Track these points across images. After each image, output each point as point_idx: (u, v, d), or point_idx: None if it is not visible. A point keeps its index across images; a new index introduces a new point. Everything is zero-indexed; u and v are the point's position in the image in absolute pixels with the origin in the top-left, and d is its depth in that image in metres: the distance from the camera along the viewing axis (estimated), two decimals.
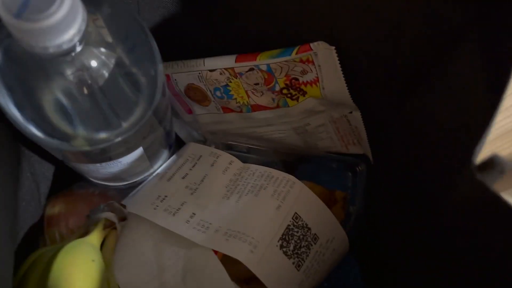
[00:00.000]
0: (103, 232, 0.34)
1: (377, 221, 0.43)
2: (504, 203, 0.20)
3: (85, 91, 0.26)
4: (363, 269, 0.44)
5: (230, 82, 0.38)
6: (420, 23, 0.29)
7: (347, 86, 0.35)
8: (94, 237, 0.33)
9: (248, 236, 0.33)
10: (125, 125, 0.28)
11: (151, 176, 0.40)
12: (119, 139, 0.28)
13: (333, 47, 0.33)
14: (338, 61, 0.34)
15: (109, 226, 0.34)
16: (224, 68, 0.37)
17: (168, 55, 0.40)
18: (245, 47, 0.37)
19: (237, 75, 0.38)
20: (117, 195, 0.41)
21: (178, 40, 0.40)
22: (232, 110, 0.42)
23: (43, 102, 0.26)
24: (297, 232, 0.35)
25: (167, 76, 0.40)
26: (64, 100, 0.26)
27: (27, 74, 0.25)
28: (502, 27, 0.25)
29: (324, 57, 0.34)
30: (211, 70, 0.38)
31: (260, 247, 0.33)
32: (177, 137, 0.47)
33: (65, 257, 0.31)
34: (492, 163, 0.20)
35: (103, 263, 0.33)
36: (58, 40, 0.21)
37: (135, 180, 0.40)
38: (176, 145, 0.46)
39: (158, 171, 0.40)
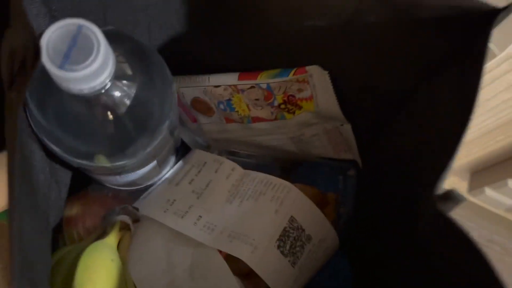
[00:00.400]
0: (119, 233, 0.38)
1: (365, 222, 0.47)
2: (459, 229, 0.24)
3: (110, 117, 0.29)
4: (353, 266, 0.48)
5: (233, 97, 0.42)
6: (406, 58, 0.33)
7: (338, 104, 0.39)
8: (112, 238, 0.37)
9: (249, 238, 0.37)
10: (142, 145, 0.32)
11: (161, 181, 0.44)
12: (138, 157, 0.32)
13: (327, 72, 0.37)
14: (331, 83, 0.38)
15: (124, 227, 0.38)
16: (228, 85, 0.41)
17: (176, 70, 0.44)
18: (247, 65, 0.41)
19: (239, 91, 0.41)
20: (128, 196, 0.45)
21: (185, 57, 0.43)
22: (234, 121, 0.45)
23: (73, 127, 0.29)
24: (293, 233, 0.39)
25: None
26: (92, 126, 0.29)
27: (59, 102, 0.29)
28: (472, 67, 0.29)
29: (318, 79, 0.38)
30: (215, 86, 0.41)
31: (260, 247, 0.37)
32: (182, 141, 0.51)
33: (88, 258, 0.35)
34: (450, 195, 0.24)
35: (120, 262, 0.37)
36: (93, 84, 0.25)
37: (146, 184, 0.43)
38: (182, 148, 0.50)
39: (167, 176, 0.44)
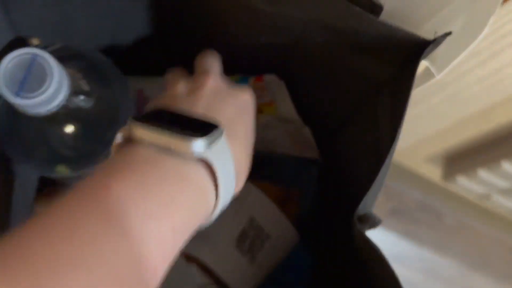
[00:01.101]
0: None
1: (326, 217, 0.50)
2: (374, 247, 0.27)
3: (68, 130, 0.32)
4: (313, 256, 0.52)
5: None
6: (350, 76, 0.35)
7: (296, 110, 0.42)
8: None
9: (209, 238, 0.40)
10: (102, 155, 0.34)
11: None
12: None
13: (283, 82, 0.39)
14: (287, 92, 0.40)
15: None
16: None
17: (140, 71, 0.46)
18: None
19: None
20: None
21: (149, 59, 0.45)
22: None
23: (33, 141, 0.32)
24: (252, 233, 0.42)
25: (140, 91, 0.45)
26: (51, 139, 0.32)
27: (20, 120, 0.31)
28: (403, 88, 0.31)
29: (276, 87, 0.40)
30: None
31: (219, 247, 0.40)
32: None
33: None
34: (366, 218, 0.27)
35: None
36: (48, 107, 0.27)
37: None
38: None
39: None
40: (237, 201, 0.42)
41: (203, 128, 0.24)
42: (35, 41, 0.36)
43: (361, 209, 0.27)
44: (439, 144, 0.87)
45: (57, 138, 0.32)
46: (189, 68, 0.43)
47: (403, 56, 0.30)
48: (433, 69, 0.38)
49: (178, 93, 0.30)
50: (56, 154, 0.32)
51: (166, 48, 0.43)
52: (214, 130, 0.24)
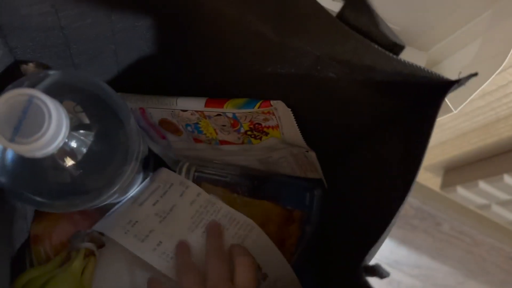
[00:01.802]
0: (84, 261, 0.39)
1: (329, 239, 0.49)
2: None
3: (68, 166, 0.30)
4: (316, 280, 0.51)
5: (200, 121, 0.43)
6: (359, 109, 0.34)
7: (302, 135, 0.40)
8: (76, 267, 0.38)
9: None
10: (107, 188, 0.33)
11: (126, 199, 0.45)
12: (104, 197, 0.33)
13: (290, 109, 0.37)
14: (294, 119, 0.38)
15: (89, 254, 0.40)
16: (195, 110, 0.41)
17: (144, 90, 0.44)
18: (214, 92, 0.41)
19: (206, 117, 0.42)
20: (95, 211, 0.46)
21: (153, 78, 0.43)
22: (202, 141, 0.46)
23: (33, 179, 0.30)
24: None
25: (143, 109, 0.44)
26: (51, 177, 0.30)
27: (19, 163, 0.29)
28: (423, 127, 0.30)
29: (282, 113, 0.39)
30: (183, 110, 0.42)
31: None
32: (153, 152, 0.52)
33: None
34: (374, 270, 0.26)
35: None
36: (45, 151, 0.25)
37: (113, 201, 0.44)
38: (153, 160, 0.50)
39: (132, 194, 0.45)
40: (238, 237, 0.41)
41: None
42: (30, 66, 0.34)
43: (368, 259, 0.26)
44: (441, 155, 0.86)
45: (59, 177, 0.30)
46: (195, 87, 0.42)
47: (422, 94, 0.29)
48: (451, 105, 0.36)
49: None
50: (54, 193, 0.31)
51: (170, 67, 0.41)
52: None
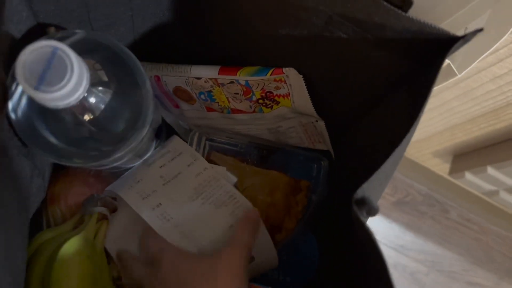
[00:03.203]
0: (97, 225, 0.41)
1: (334, 208, 0.50)
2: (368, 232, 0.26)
3: (86, 122, 0.31)
4: (320, 246, 0.52)
5: (213, 89, 0.44)
6: (370, 71, 0.34)
7: (312, 103, 0.41)
8: (89, 231, 0.40)
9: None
10: (125, 144, 0.34)
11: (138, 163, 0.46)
12: (117, 155, 0.34)
13: (301, 76, 0.38)
14: (305, 86, 0.39)
15: (102, 218, 0.41)
16: (208, 78, 0.43)
17: (159, 58, 0.45)
18: (228, 60, 0.42)
19: (220, 84, 0.43)
20: (109, 175, 0.47)
21: (168, 46, 0.44)
22: (214, 110, 0.47)
23: (50, 131, 0.31)
24: None
25: (158, 77, 0.45)
26: (69, 130, 0.31)
27: (40, 112, 0.31)
28: (425, 83, 0.30)
29: (294, 80, 0.39)
30: (197, 78, 0.43)
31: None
32: (166, 122, 0.53)
33: (65, 255, 0.37)
34: (363, 201, 0.26)
35: (96, 255, 0.40)
36: (67, 101, 0.27)
37: (126, 167, 0.46)
38: (165, 129, 0.52)
39: (145, 157, 0.46)
40: (235, 216, 0.42)
41: None
42: (52, 29, 0.36)
43: (359, 193, 0.27)
44: (449, 140, 0.86)
45: (77, 130, 0.31)
46: (209, 55, 0.43)
47: (429, 51, 0.30)
48: (454, 67, 0.37)
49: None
50: (73, 144, 0.32)
51: (185, 35, 0.42)
52: None
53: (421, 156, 0.97)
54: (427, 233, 1.03)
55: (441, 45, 0.29)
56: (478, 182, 0.88)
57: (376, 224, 1.02)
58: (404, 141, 0.27)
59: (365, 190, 0.27)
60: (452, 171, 0.90)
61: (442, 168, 0.95)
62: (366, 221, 0.27)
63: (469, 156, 0.86)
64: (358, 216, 0.26)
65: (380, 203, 1.02)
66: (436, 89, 0.79)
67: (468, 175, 0.87)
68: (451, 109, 0.80)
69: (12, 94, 0.30)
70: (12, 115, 0.31)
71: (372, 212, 0.26)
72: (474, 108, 0.79)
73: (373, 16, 0.29)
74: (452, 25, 0.46)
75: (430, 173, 0.99)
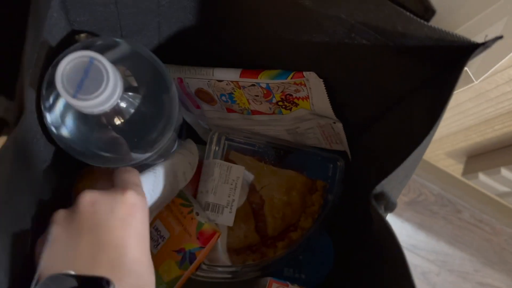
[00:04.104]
0: None
1: (350, 207, 0.51)
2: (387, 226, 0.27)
3: (117, 125, 0.33)
4: (335, 243, 0.53)
5: (234, 91, 0.45)
6: (391, 77, 0.35)
7: (331, 106, 0.42)
8: None
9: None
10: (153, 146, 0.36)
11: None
12: (145, 157, 0.36)
13: (322, 80, 0.39)
14: (325, 90, 0.40)
15: None
16: (230, 81, 0.44)
17: (183, 61, 0.47)
18: (249, 63, 0.43)
19: (241, 87, 0.44)
20: None
21: (192, 50, 0.46)
22: (234, 111, 0.48)
23: (83, 134, 0.33)
24: None
25: (180, 79, 0.46)
26: (99, 133, 0.33)
27: (74, 119, 0.32)
28: (445, 88, 0.31)
29: (314, 84, 0.41)
30: (219, 80, 0.44)
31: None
32: (186, 123, 0.54)
33: None
34: (382, 196, 0.27)
35: None
36: (102, 108, 0.28)
37: (149, 163, 0.47)
38: (185, 128, 0.53)
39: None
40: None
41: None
42: (82, 36, 0.37)
43: (378, 188, 0.28)
44: (463, 141, 0.86)
45: (108, 134, 0.33)
46: (231, 59, 0.44)
47: (450, 57, 0.30)
48: (472, 74, 0.38)
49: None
50: (103, 150, 0.34)
51: (209, 40, 0.44)
52: None
53: (435, 157, 0.97)
54: (439, 233, 1.03)
55: (462, 51, 0.29)
56: (491, 183, 0.88)
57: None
58: (425, 141, 0.28)
59: (384, 186, 0.28)
60: (465, 172, 0.90)
61: (455, 169, 0.96)
62: (385, 217, 0.28)
63: (482, 157, 0.86)
64: (377, 210, 0.27)
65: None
66: None
67: (482, 176, 0.87)
68: (465, 110, 0.80)
69: (48, 100, 0.31)
70: (52, 128, 0.32)
71: (390, 207, 0.27)
72: (488, 109, 0.79)
73: (396, 25, 0.30)
74: (469, 31, 0.47)
75: (443, 173, 0.99)
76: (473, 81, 0.37)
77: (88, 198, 0.32)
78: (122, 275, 0.29)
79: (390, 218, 1.03)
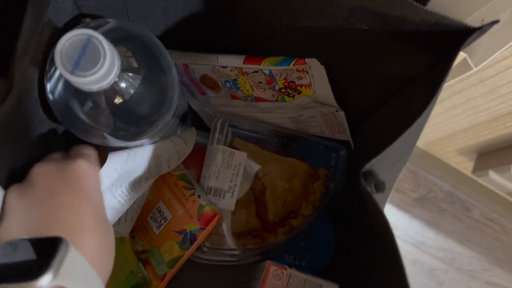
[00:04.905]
0: None
1: (351, 196, 0.52)
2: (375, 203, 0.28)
3: (117, 104, 0.34)
4: (337, 231, 0.53)
5: (238, 77, 0.46)
6: (392, 65, 0.36)
7: (333, 94, 0.43)
8: None
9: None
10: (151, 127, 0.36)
11: None
12: (144, 137, 0.37)
13: (323, 66, 0.40)
14: (327, 77, 0.41)
15: None
16: (234, 67, 0.44)
17: (188, 47, 0.47)
18: (253, 50, 0.44)
19: (244, 73, 0.45)
20: None
21: (198, 36, 0.46)
22: (238, 98, 0.49)
23: (84, 112, 0.34)
24: None
25: (186, 65, 0.47)
26: (100, 111, 0.34)
27: (75, 95, 0.33)
28: (437, 75, 0.32)
29: (316, 71, 0.41)
30: (223, 66, 0.45)
31: None
32: (191, 109, 0.55)
33: None
34: (370, 174, 0.28)
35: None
36: (100, 85, 0.29)
37: None
38: (191, 116, 0.54)
39: None
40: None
41: (45, 249, 0.24)
42: (87, 19, 0.38)
43: (367, 166, 0.28)
44: (474, 137, 0.85)
45: (108, 112, 0.34)
46: (235, 45, 0.45)
47: (447, 43, 0.31)
48: (471, 61, 0.38)
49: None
50: (102, 125, 0.35)
51: (214, 26, 0.44)
52: (58, 249, 0.24)
53: (445, 153, 0.96)
54: (447, 230, 1.02)
55: (457, 36, 0.30)
56: (502, 181, 0.87)
57: (396, 220, 1.02)
58: (416, 123, 0.28)
59: (373, 165, 0.28)
60: (475, 169, 0.89)
61: (466, 166, 0.95)
62: (377, 199, 0.28)
63: (493, 154, 0.85)
64: (365, 188, 0.27)
65: (402, 198, 1.03)
66: (461, 85, 0.79)
67: (492, 174, 0.86)
68: (476, 106, 0.79)
69: (51, 77, 0.32)
70: (50, 96, 0.33)
71: (380, 186, 0.27)
72: (500, 106, 0.78)
73: (393, 9, 0.30)
74: (473, 23, 0.47)
75: (454, 170, 0.98)
76: (472, 69, 0.37)
77: (38, 168, 0.33)
78: (78, 237, 0.30)
79: (398, 214, 1.02)
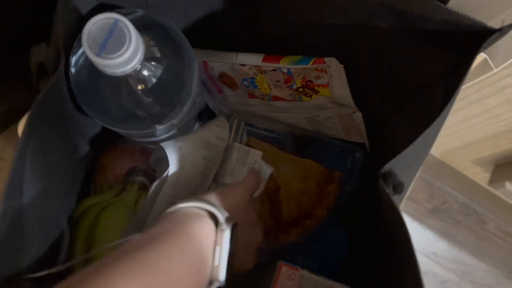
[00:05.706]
0: (138, 193, 0.44)
1: (366, 199, 0.51)
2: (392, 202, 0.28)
3: (139, 92, 0.34)
4: (351, 234, 0.53)
5: (256, 76, 0.46)
6: (412, 66, 0.36)
7: (351, 94, 0.43)
8: (130, 197, 0.43)
9: None
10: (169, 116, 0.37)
11: None
12: (162, 126, 0.37)
13: (342, 66, 0.40)
14: (345, 77, 0.41)
15: (142, 187, 0.44)
16: (252, 65, 0.45)
17: (208, 45, 0.48)
18: (272, 48, 0.44)
19: (263, 72, 0.45)
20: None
21: (217, 34, 0.47)
22: (256, 97, 0.49)
23: (108, 99, 0.34)
24: None
25: (205, 63, 0.48)
26: (122, 98, 0.34)
27: (99, 80, 0.34)
28: (456, 76, 0.31)
29: (335, 70, 0.41)
30: (242, 65, 0.45)
31: None
32: (208, 107, 0.56)
33: (108, 217, 0.42)
34: (390, 175, 0.28)
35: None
36: (124, 69, 0.30)
37: None
38: (207, 113, 0.54)
39: None
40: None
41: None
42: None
43: (386, 167, 0.28)
44: (492, 148, 0.84)
45: (128, 98, 0.34)
46: (255, 44, 0.45)
47: (466, 43, 0.30)
48: (491, 62, 0.37)
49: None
50: (125, 113, 0.35)
51: (234, 24, 0.45)
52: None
53: (461, 164, 0.95)
54: (461, 242, 1.01)
55: (477, 37, 0.29)
56: None
57: (410, 230, 1.01)
58: (435, 123, 0.28)
59: (392, 165, 0.28)
60: (492, 181, 0.88)
61: (482, 177, 0.93)
62: (395, 201, 0.28)
63: (511, 165, 0.84)
64: (384, 188, 0.27)
65: (416, 208, 1.01)
66: (479, 95, 0.78)
67: (509, 186, 0.85)
68: (494, 116, 0.78)
69: (78, 60, 0.33)
70: (74, 79, 0.34)
71: (398, 187, 0.27)
72: None
73: (414, 7, 0.30)
74: (486, 15, 0.46)
75: (470, 181, 0.97)
76: (492, 69, 0.36)
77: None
78: None
79: (412, 224, 1.01)
